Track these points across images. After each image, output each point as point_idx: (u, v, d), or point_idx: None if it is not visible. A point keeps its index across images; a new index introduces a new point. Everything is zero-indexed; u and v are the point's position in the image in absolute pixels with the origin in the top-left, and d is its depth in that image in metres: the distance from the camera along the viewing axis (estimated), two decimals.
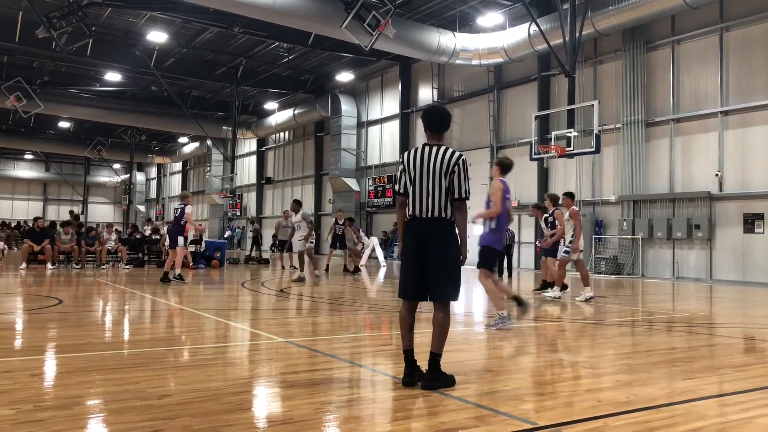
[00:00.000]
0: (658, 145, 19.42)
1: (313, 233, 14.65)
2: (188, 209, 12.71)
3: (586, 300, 10.48)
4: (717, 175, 17.82)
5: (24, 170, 55.49)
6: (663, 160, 19.29)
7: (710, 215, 17.78)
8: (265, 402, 4.03)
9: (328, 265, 18.10)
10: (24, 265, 16.32)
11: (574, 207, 10.89)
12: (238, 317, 8.26)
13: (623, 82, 20.07)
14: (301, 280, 13.81)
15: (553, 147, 18.09)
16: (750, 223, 17.18)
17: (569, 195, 11.20)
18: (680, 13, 18.20)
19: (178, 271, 12.89)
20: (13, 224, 40.55)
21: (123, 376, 4.53)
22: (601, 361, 5.53)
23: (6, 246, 25.09)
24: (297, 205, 14.71)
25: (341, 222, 17.75)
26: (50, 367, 4.96)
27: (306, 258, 14.36)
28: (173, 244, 12.83)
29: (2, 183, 54.85)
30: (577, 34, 17.45)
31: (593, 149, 17.08)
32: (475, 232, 7.48)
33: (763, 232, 16.90)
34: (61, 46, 21.62)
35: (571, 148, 17.58)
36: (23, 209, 54.42)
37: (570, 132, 17.69)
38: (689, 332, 7.57)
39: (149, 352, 5.65)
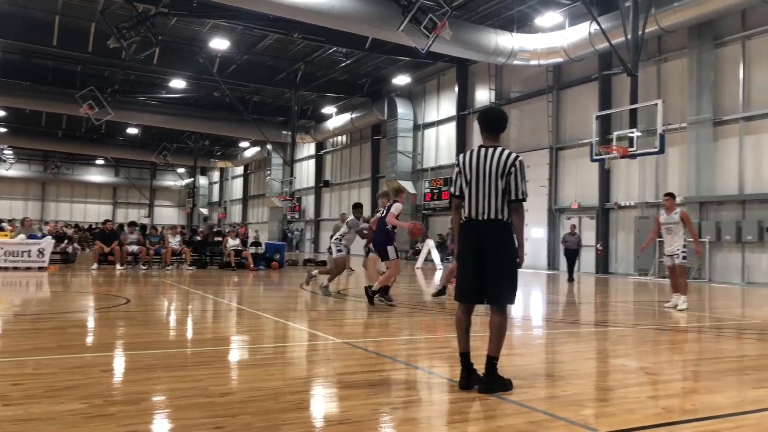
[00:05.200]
0: (727, 145, 18.63)
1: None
2: (395, 207, 9.29)
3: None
4: None
5: (95, 175, 58.09)
6: (731, 160, 18.50)
7: None
8: (323, 402, 4.08)
9: None
10: (95, 265, 17.06)
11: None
12: (296, 317, 8.40)
13: (689, 80, 19.36)
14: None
15: (614, 147, 17.65)
16: None
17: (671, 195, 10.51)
18: (751, 8, 17.44)
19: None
20: (85, 226, 42.55)
21: (187, 373, 4.68)
22: (665, 368, 5.35)
23: (79, 247, 26.29)
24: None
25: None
26: (119, 363, 5.18)
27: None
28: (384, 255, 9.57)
29: (76, 187, 57.62)
30: (640, 32, 16.97)
31: (657, 149, 16.56)
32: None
33: None
34: (130, 55, 22.54)
35: (634, 149, 17.09)
36: (95, 212, 56.96)
37: (632, 132, 17.19)
38: (760, 339, 7.24)
39: (211, 351, 5.82)
